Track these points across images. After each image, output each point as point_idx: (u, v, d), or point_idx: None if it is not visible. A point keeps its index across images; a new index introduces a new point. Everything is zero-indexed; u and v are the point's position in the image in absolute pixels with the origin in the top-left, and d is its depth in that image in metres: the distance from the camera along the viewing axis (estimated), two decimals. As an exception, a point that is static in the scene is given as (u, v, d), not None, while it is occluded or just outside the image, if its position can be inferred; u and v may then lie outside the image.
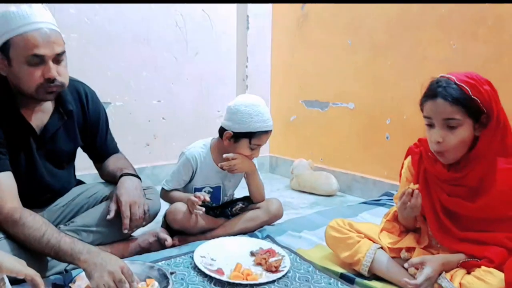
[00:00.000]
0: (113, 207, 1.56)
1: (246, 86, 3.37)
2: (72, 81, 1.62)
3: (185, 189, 1.97)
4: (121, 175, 1.66)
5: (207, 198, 1.80)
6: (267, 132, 1.87)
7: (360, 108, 2.83)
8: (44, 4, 1.44)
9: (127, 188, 1.60)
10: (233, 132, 1.85)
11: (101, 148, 1.79)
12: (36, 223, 1.35)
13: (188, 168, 1.92)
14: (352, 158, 2.92)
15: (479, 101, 1.29)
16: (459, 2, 2.24)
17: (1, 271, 0.89)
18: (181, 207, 1.84)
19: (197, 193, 1.80)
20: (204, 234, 1.87)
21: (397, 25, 2.54)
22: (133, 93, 2.88)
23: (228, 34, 3.31)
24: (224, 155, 1.87)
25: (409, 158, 1.57)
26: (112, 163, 1.78)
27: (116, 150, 1.85)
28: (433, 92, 1.33)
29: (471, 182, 1.37)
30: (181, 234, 1.86)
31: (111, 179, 1.74)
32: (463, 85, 1.29)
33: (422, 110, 1.39)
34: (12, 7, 1.38)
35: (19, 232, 1.35)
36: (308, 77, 3.18)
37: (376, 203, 2.37)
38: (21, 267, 0.93)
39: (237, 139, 1.86)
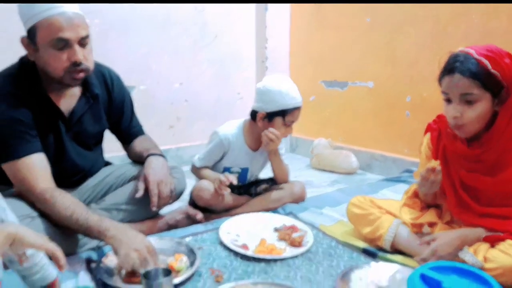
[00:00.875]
0: (141, 186, 1.61)
1: (266, 68, 3.39)
2: (97, 65, 1.65)
3: (214, 167, 2.02)
4: (148, 155, 1.71)
5: (235, 181, 1.83)
6: (298, 108, 1.89)
7: (379, 87, 2.82)
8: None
9: (154, 168, 1.65)
10: (267, 112, 1.87)
11: (127, 130, 1.83)
12: (65, 203, 1.40)
13: (221, 149, 1.95)
14: (372, 136, 2.92)
15: (498, 75, 1.26)
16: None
17: (23, 245, 0.92)
18: (207, 185, 1.88)
19: (227, 174, 1.83)
20: (228, 211, 1.93)
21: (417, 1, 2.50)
22: (155, 76, 2.93)
23: (246, 16, 3.31)
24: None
25: (428, 134, 1.56)
26: (138, 144, 1.83)
27: (141, 132, 1.89)
28: (450, 67, 1.30)
29: (491, 157, 1.36)
30: (206, 211, 1.90)
31: (138, 160, 1.79)
32: (482, 59, 1.26)
33: (440, 85, 1.36)
34: None
35: (50, 211, 1.41)
36: (327, 57, 3.17)
37: (397, 179, 2.38)
38: (42, 242, 0.93)
39: (271, 119, 1.88)
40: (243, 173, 2.02)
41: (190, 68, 3.08)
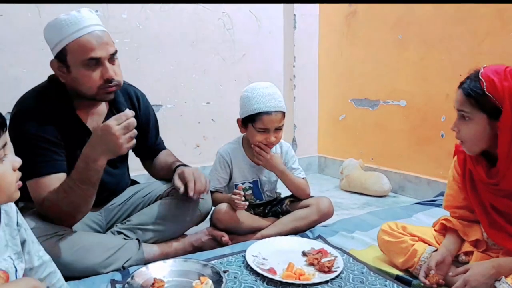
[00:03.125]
0: (179, 183, 1.60)
1: (294, 86, 3.36)
2: (123, 84, 1.66)
3: (229, 187, 1.99)
4: (178, 166, 1.71)
5: (243, 186, 1.81)
6: (268, 114, 1.79)
7: (412, 106, 2.74)
8: (90, 9, 1.49)
9: (188, 170, 1.65)
10: (242, 119, 1.87)
11: (151, 148, 1.85)
12: (55, 186, 1.41)
13: (224, 164, 1.94)
14: (405, 157, 2.83)
15: (492, 97, 1.22)
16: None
17: None
18: (224, 207, 1.84)
19: (235, 190, 1.80)
20: (254, 233, 1.87)
21: (452, 18, 2.44)
22: (183, 95, 2.94)
23: (275, 34, 3.31)
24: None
25: (456, 157, 1.52)
26: (165, 157, 1.85)
27: (164, 148, 1.91)
28: (462, 82, 1.31)
29: (509, 186, 1.29)
30: (231, 233, 1.85)
31: (164, 172, 1.79)
32: (482, 78, 1.24)
33: None
34: (62, 15, 1.43)
35: (52, 202, 1.40)
36: (357, 75, 3.12)
37: (432, 203, 2.28)
38: None
39: (245, 126, 1.87)
40: (255, 187, 2.00)
41: (218, 86, 3.08)
